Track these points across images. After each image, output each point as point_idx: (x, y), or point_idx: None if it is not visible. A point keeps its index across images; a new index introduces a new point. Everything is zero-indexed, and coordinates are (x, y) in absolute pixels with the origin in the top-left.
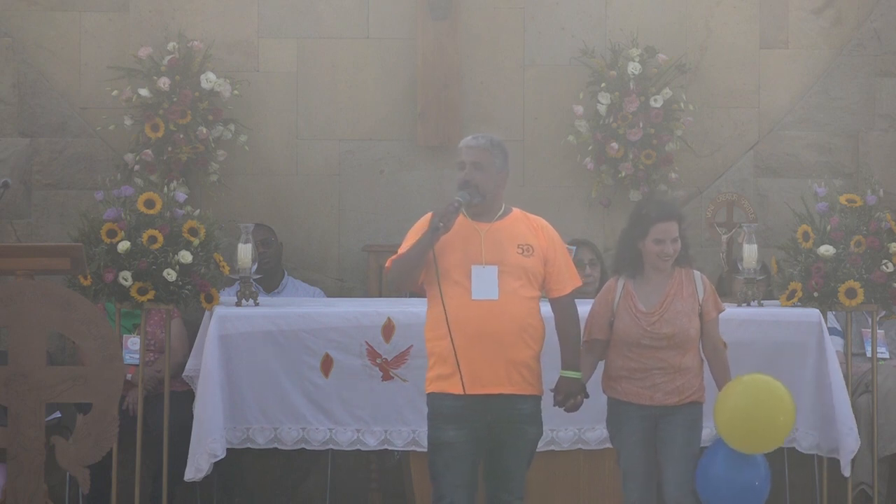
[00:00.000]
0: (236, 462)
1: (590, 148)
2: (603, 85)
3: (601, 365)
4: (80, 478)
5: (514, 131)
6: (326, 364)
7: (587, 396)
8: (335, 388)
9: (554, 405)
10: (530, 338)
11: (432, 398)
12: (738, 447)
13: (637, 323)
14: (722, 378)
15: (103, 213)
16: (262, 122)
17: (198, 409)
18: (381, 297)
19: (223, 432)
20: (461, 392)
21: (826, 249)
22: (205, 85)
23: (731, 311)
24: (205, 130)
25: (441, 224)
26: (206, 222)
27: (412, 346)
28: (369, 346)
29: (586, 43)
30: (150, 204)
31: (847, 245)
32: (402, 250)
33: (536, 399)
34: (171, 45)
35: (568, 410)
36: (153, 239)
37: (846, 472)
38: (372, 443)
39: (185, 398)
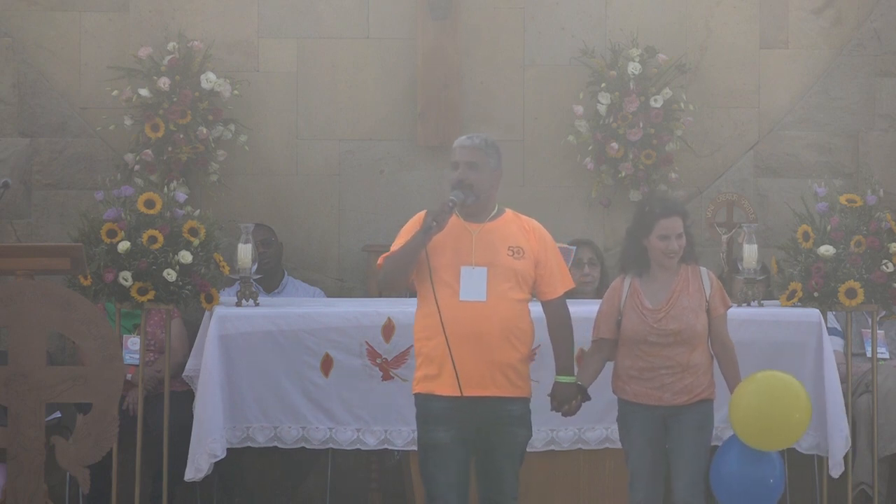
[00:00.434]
0: (236, 462)
1: (590, 148)
2: (603, 85)
3: (608, 365)
4: (80, 478)
5: (514, 131)
6: (326, 364)
7: (588, 399)
8: (335, 388)
9: (551, 410)
10: (517, 340)
11: (420, 399)
12: (754, 445)
13: (644, 320)
14: (731, 375)
15: (103, 213)
16: (262, 122)
17: (198, 408)
18: (381, 297)
19: (223, 432)
20: (450, 393)
21: (826, 249)
22: (205, 85)
23: (731, 311)
24: (205, 130)
25: (434, 224)
26: (206, 222)
27: (412, 346)
28: (369, 346)
29: (586, 43)
30: (150, 204)
31: (847, 245)
32: (394, 248)
33: (525, 401)
34: (171, 45)
35: (565, 415)
36: (153, 239)
37: (834, 472)
38: (372, 442)
39: (185, 398)
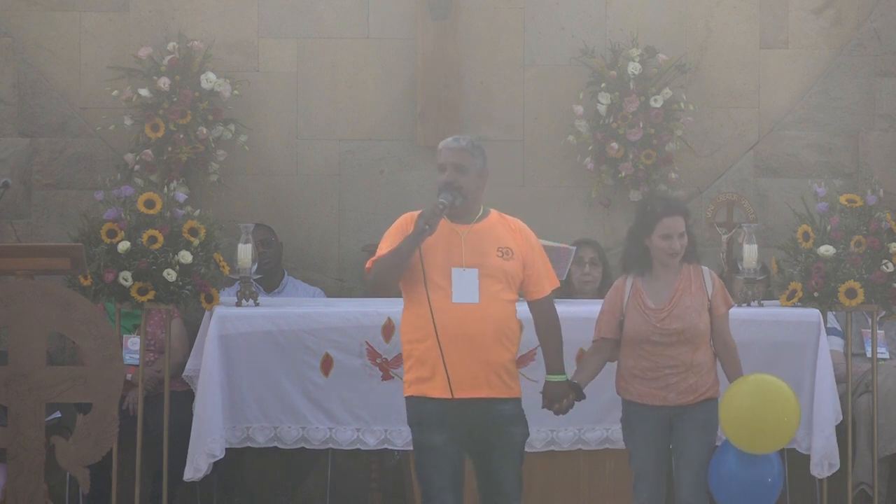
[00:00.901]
0: (236, 462)
1: (590, 148)
2: (603, 85)
3: (608, 365)
4: (80, 478)
5: (514, 131)
6: (326, 364)
7: (582, 398)
8: (335, 388)
9: (542, 408)
10: (508, 341)
11: (412, 402)
12: (744, 447)
13: (646, 319)
14: (734, 374)
15: (103, 213)
16: (262, 122)
17: (197, 408)
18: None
19: (223, 432)
20: (442, 395)
21: (826, 249)
22: (205, 85)
23: (731, 311)
24: (205, 130)
25: (427, 227)
26: (206, 222)
27: None
28: (369, 346)
29: (586, 43)
30: (150, 204)
31: (847, 245)
32: (381, 252)
33: (517, 401)
34: (171, 45)
35: (557, 413)
36: (153, 239)
37: (815, 471)
38: (372, 442)
39: (184, 398)
